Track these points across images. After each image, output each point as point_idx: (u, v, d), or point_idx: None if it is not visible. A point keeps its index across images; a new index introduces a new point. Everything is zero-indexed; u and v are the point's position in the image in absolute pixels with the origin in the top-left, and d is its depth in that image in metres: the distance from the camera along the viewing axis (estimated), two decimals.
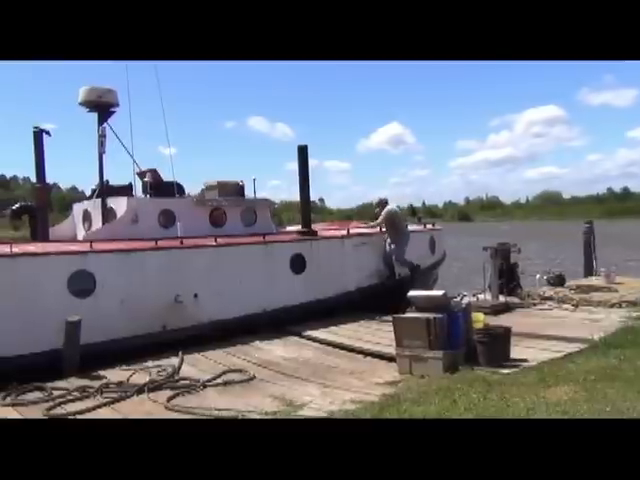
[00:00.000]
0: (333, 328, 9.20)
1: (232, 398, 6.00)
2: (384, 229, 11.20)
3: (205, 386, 6.41)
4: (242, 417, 5.28)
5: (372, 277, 10.63)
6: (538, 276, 13.15)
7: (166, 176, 10.20)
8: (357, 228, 11.74)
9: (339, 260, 10.20)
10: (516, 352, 7.11)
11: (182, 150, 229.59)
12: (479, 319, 7.34)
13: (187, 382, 6.53)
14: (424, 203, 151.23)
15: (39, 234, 8.80)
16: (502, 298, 11.03)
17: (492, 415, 4.96)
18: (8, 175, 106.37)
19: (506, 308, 10.40)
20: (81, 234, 9.92)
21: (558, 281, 13.02)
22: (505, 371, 6.34)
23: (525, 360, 6.80)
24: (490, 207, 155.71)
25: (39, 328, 6.85)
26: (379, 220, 11.09)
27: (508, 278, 12.07)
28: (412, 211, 14.55)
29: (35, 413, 5.60)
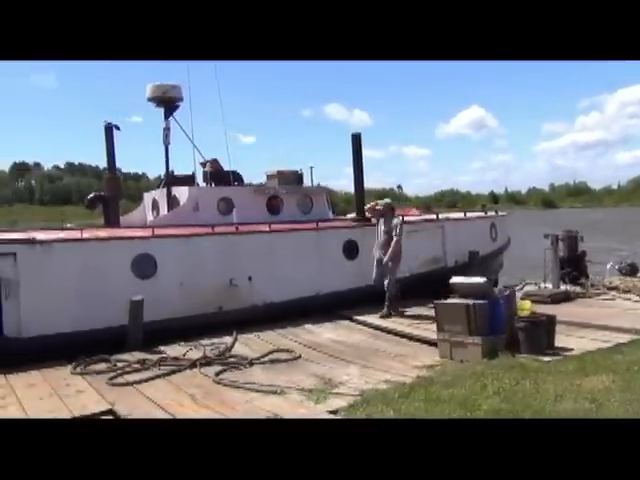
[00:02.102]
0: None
1: (275, 375, 6.37)
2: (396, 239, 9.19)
3: (252, 363, 6.82)
4: (281, 392, 5.64)
5: (426, 264, 10.69)
6: (609, 265, 12.67)
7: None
8: (413, 216, 11.78)
9: None
10: (564, 341, 7.05)
11: (260, 138, 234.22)
12: (525, 307, 7.29)
13: (236, 359, 6.97)
14: (506, 189, 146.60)
15: (110, 221, 9.55)
16: (564, 287, 10.80)
17: (519, 400, 5.04)
18: (102, 166, 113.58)
19: (566, 297, 10.18)
20: (150, 221, 10.64)
21: (630, 271, 12.48)
22: (546, 359, 6.33)
23: (571, 349, 6.74)
24: (577, 193, 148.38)
25: (106, 306, 7.50)
26: (399, 234, 9.14)
27: (573, 267, 11.76)
28: (483, 207, 14.23)
29: (100, 382, 6.23)
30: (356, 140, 10.32)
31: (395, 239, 9.08)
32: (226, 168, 10.71)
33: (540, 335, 6.55)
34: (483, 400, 5.06)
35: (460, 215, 12.76)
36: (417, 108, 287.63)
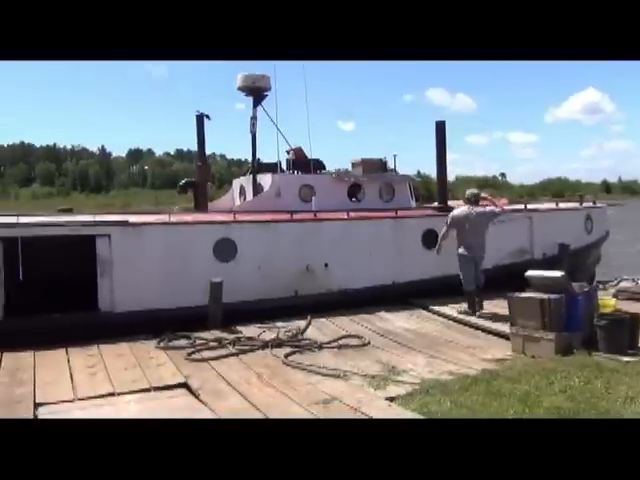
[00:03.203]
0: (463, 304, 9.23)
1: (342, 360, 6.51)
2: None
3: (322, 347, 7.01)
4: (343, 376, 5.78)
5: (512, 255, 10.34)
6: None
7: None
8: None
9: None
10: None
11: (360, 125, 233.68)
12: (608, 304, 6.91)
13: (307, 342, 7.19)
14: (620, 179, 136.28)
15: (199, 206, 10.11)
16: None
17: (585, 400, 4.84)
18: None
19: None
20: (236, 206, 11.12)
21: None
22: (625, 359, 5.98)
23: None
24: None
25: (189, 287, 7.99)
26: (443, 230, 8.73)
27: None
28: (580, 197, 13.26)
29: (179, 357, 6.68)
30: (440, 128, 10.15)
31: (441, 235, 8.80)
32: (310, 156, 10.94)
33: (621, 334, 6.18)
34: (546, 397, 4.92)
35: (551, 205, 12.19)
36: (525, 91, 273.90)
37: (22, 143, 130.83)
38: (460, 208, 8.71)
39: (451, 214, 8.66)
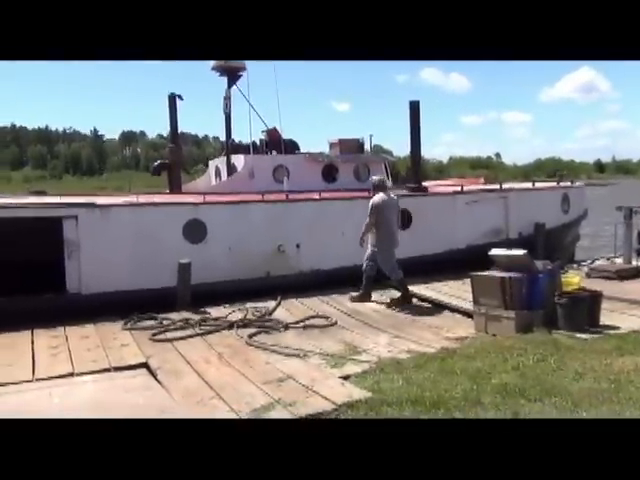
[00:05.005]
0: (436, 284, 9.28)
1: (306, 340, 6.55)
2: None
3: (287, 327, 7.04)
4: (303, 356, 5.81)
5: (485, 235, 10.36)
6: None
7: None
8: (475, 185, 11.41)
9: (449, 217, 10.12)
10: (614, 319, 6.70)
11: (355, 106, 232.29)
12: (572, 282, 6.97)
13: (273, 323, 7.22)
14: (614, 158, 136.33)
15: (173, 187, 10.07)
16: (636, 263, 10.09)
17: (534, 376, 4.88)
18: (201, 134, 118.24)
19: (637, 273, 9.53)
20: (209, 187, 11.08)
21: None
22: (584, 336, 6.05)
23: (617, 328, 6.39)
24: None
25: (159, 268, 7.99)
26: (367, 219, 8.17)
27: None
28: (559, 177, 13.10)
29: (144, 338, 6.70)
30: (414, 107, 10.10)
31: (366, 225, 8.16)
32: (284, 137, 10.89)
33: (580, 312, 6.24)
34: (496, 374, 4.96)
35: (528, 185, 12.19)
36: (519, 71, 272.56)
37: (13, 126, 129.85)
38: (379, 195, 8.18)
39: (375, 202, 8.10)
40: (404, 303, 8.20)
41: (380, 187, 8.34)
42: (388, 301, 8.35)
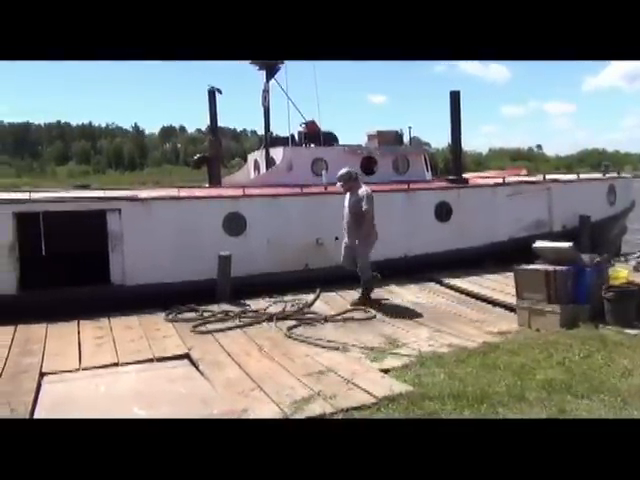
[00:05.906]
0: (476, 278, 9.12)
1: (345, 333, 6.53)
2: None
3: (327, 320, 7.04)
4: (343, 349, 5.80)
5: (527, 228, 10.13)
6: None
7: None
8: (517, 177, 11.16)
9: (490, 209, 9.94)
10: None
11: (392, 98, 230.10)
12: (620, 276, 6.74)
13: (312, 316, 7.22)
14: None
15: (213, 180, 10.17)
16: None
17: (581, 372, 4.76)
18: (239, 129, 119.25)
19: None
20: (248, 180, 11.14)
21: None
22: (632, 332, 5.86)
23: None
24: None
25: (199, 260, 8.09)
26: (365, 206, 7.35)
27: None
28: (605, 167, 12.59)
29: (185, 329, 6.80)
30: (454, 97, 9.93)
31: (365, 215, 7.39)
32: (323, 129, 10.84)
33: (628, 306, 6.04)
34: (541, 370, 4.85)
35: (572, 177, 11.86)
36: (561, 60, 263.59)
37: (58, 122, 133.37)
38: (367, 187, 7.65)
39: (370, 192, 7.47)
40: (364, 305, 7.59)
41: (356, 179, 7.70)
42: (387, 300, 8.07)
